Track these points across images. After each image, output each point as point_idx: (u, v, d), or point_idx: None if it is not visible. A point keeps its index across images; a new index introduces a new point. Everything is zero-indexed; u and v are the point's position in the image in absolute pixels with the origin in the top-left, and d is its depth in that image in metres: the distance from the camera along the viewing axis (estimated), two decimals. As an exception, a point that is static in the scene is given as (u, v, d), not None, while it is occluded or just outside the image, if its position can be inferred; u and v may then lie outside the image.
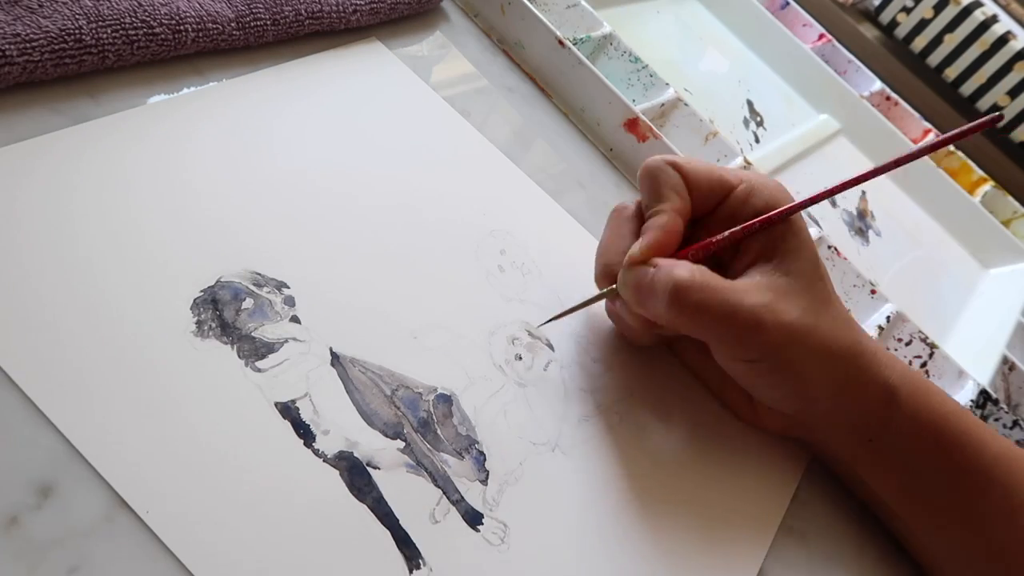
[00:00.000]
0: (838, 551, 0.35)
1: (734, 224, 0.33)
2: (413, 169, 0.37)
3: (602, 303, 0.36)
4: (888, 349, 0.47)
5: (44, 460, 0.22)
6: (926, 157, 0.66)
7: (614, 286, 0.33)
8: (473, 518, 0.27)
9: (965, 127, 0.30)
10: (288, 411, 0.26)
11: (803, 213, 0.49)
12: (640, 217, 0.34)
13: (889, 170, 0.32)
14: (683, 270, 0.30)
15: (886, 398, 0.32)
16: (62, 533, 0.21)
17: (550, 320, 0.34)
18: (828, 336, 0.31)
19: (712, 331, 0.31)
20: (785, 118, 0.64)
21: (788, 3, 0.74)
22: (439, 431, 0.28)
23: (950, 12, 0.84)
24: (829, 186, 0.33)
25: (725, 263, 0.34)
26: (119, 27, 0.30)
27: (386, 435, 0.27)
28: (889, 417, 0.33)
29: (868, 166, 0.66)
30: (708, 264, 0.32)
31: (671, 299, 0.30)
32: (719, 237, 0.32)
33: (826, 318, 0.32)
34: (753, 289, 0.31)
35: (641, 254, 0.31)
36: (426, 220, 0.35)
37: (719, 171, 0.34)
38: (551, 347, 0.34)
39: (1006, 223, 0.69)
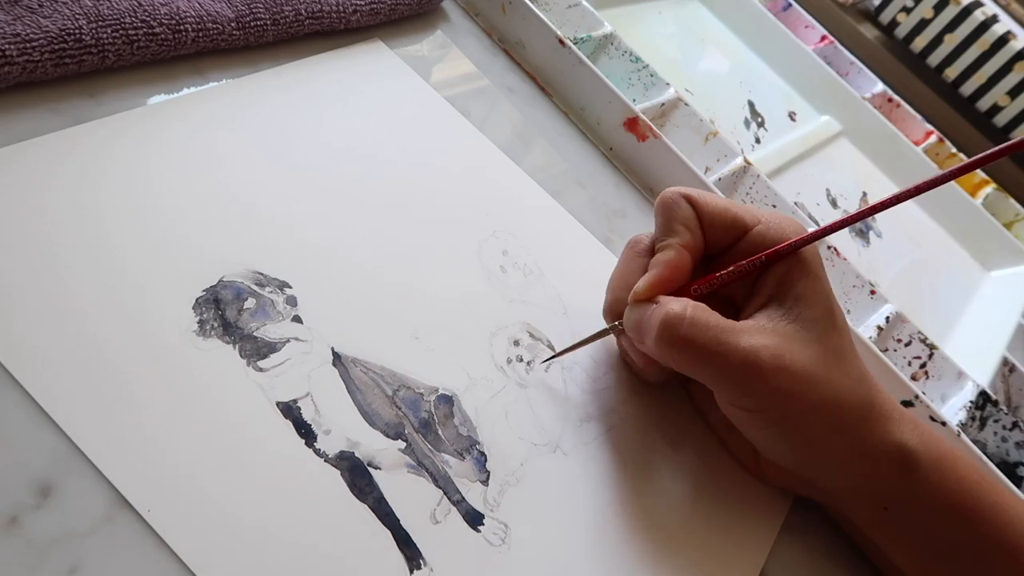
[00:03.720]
0: (839, 550, 0.35)
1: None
2: (415, 169, 0.37)
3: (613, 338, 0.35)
4: (887, 350, 0.47)
5: (44, 460, 0.22)
6: (927, 158, 0.66)
7: (618, 323, 0.32)
8: (474, 519, 0.27)
9: (994, 150, 0.28)
10: (290, 411, 0.26)
11: (802, 212, 0.49)
12: (652, 252, 0.32)
13: (911, 196, 0.29)
14: (676, 304, 0.29)
15: (903, 463, 0.30)
16: (62, 533, 0.21)
17: (552, 358, 0.33)
18: (837, 391, 0.29)
19: (704, 370, 0.29)
20: (786, 119, 0.64)
21: (790, 4, 0.74)
22: (440, 432, 0.28)
23: (950, 12, 0.84)
24: (846, 215, 0.31)
25: (738, 306, 0.32)
26: (119, 27, 0.30)
27: (387, 435, 0.27)
28: (907, 484, 0.30)
29: (869, 168, 0.66)
30: (719, 305, 0.30)
31: (659, 333, 0.29)
32: (724, 272, 0.31)
33: (837, 372, 0.29)
34: (755, 330, 0.29)
35: (644, 291, 0.30)
36: (428, 220, 0.35)
37: (736, 209, 0.32)
38: (552, 348, 0.34)
39: (1008, 225, 0.69)
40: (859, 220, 0.31)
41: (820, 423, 0.29)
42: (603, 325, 0.33)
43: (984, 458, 0.40)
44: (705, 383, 0.30)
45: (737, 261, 0.32)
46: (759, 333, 0.29)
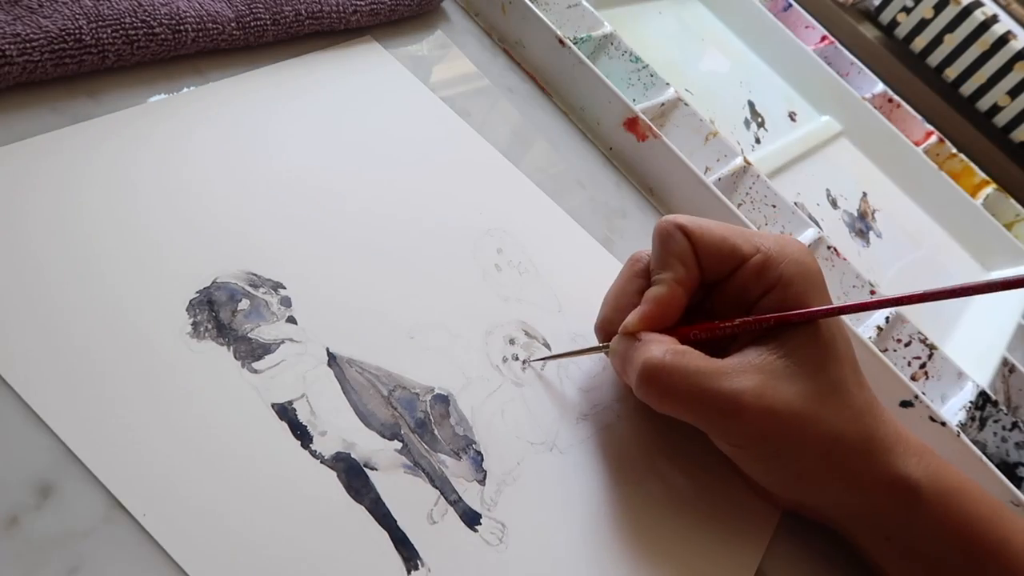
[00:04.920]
0: (838, 550, 0.35)
1: (746, 296, 0.31)
2: (409, 168, 0.37)
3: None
4: (887, 350, 0.47)
5: (44, 460, 0.22)
6: (927, 159, 0.66)
7: (605, 345, 0.32)
8: (471, 518, 0.27)
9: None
10: (285, 412, 0.26)
11: (802, 212, 0.49)
12: (649, 274, 0.32)
13: (963, 295, 0.27)
14: (656, 349, 0.29)
15: (906, 496, 0.29)
16: (62, 533, 0.21)
17: (541, 360, 0.33)
18: (830, 426, 0.28)
19: (686, 416, 0.29)
20: (786, 119, 0.64)
21: (791, 5, 0.74)
22: (436, 431, 0.28)
23: (950, 12, 0.83)
24: (860, 300, 0.29)
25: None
26: (119, 27, 0.30)
27: (383, 436, 0.27)
28: (909, 516, 0.30)
29: (870, 168, 0.66)
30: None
31: (639, 379, 0.29)
32: (723, 324, 0.31)
33: (832, 407, 0.29)
34: (739, 370, 0.28)
35: (633, 326, 0.30)
36: (422, 219, 0.35)
37: (734, 239, 0.31)
38: (548, 346, 0.34)
39: (1008, 226, 0.68)
40: (883, 307, 0.30)
41: (811, 458, 0.29)
42: (597, 327, 0.33)
43: (984, 459, 0.40)
44: (691, 423, 0.30)
45: (735, 292, 0.31)
46: (744, 373, 0.28)
